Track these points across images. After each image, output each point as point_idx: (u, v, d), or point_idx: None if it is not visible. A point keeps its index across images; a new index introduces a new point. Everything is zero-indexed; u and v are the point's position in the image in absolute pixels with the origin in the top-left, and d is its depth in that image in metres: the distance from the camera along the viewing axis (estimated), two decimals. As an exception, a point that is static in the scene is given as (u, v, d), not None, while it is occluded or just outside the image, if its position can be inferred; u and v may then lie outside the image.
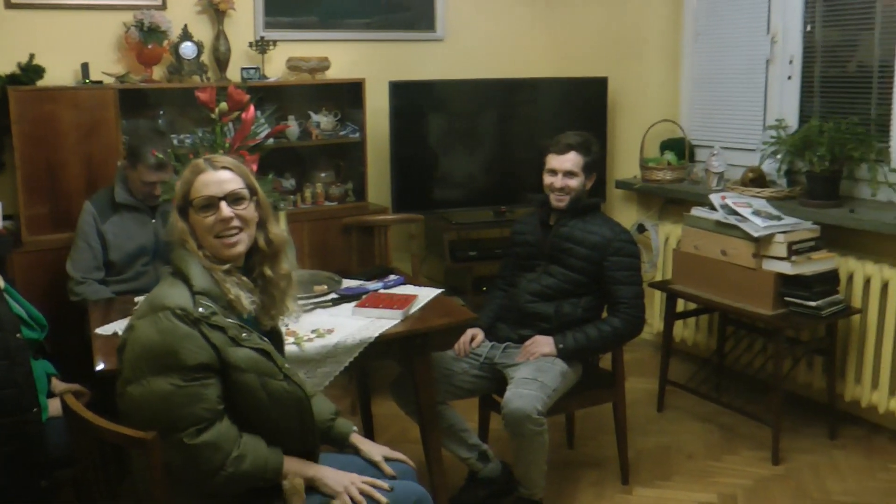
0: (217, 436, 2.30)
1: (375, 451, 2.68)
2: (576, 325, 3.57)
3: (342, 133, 5.10)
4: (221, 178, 2.45)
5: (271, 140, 4.60)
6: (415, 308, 3.32)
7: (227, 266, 2.43)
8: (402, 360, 3.31)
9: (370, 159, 5.19)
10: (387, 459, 2.67)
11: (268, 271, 2.50)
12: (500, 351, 3.63)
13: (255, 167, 3.51)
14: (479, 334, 3.68)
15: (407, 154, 5.12)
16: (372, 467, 2.64)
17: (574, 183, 3.63)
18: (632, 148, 5.45)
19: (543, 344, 3.52)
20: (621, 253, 3.56)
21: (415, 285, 3.64)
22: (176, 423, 2.28)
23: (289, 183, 5.08)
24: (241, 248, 2.45)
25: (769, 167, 4.66)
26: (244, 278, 2.46)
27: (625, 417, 3.76)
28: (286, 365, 2.45)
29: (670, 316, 4.55)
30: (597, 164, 3.70)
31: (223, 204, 2.42)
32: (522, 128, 5.38)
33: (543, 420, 3.28)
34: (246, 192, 2.47)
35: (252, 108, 3.43)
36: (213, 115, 3.39)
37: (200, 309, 2.32)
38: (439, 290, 3.54)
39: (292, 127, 4.97)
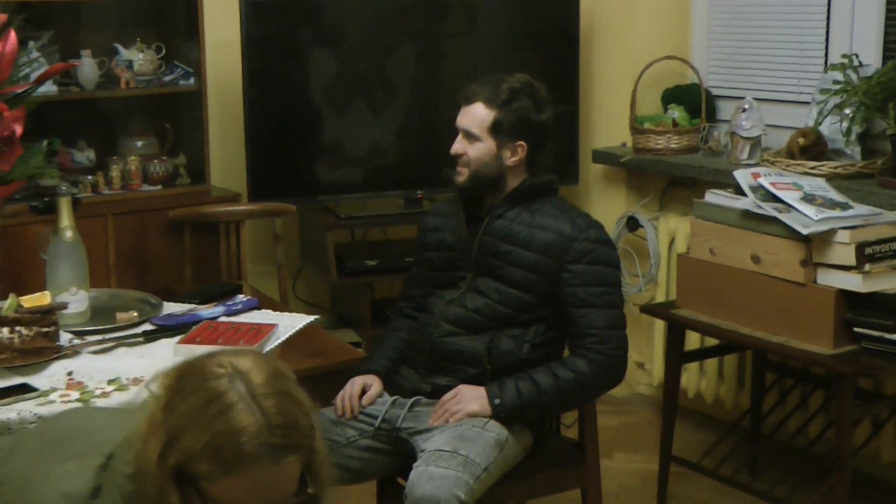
0: None
1: None
2: (519, 369, 3.61)
3: (168, 78, 5.12)
4: None
5: (52, 86, 4.62)
6: (271, 344, 3.35)
7: None
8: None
9: (213, 120, 5.21)
10: None
11: None
12: (404, 410, 3.65)
13: (19, 129, 3.51)
14: (374, 385, 3.71)
15: (271, 112, 5.15)
16: None
17: (474, 151, 3.66)
18: (618, 101, 5.53)
19: (470, 398, 3.56)
20: (588, 258, 3.60)
21: (275, 311, 3.68)
22: None
23: (84, 156, 5.06)
24: None
25: (831, 129, 4.74)
26: None
27: (602, 513, 3.82)
28: None
29: (676, 357, 4.61)
30: (527, 127, 3.67)
31: None
32: (451, 72, 5.45)
33: (469, 516, 3.33)
34: None
35: (13, 34, 3.43)
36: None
37: None
38: (311, 318, 3.58)
39: (86, 66, 4.95)
